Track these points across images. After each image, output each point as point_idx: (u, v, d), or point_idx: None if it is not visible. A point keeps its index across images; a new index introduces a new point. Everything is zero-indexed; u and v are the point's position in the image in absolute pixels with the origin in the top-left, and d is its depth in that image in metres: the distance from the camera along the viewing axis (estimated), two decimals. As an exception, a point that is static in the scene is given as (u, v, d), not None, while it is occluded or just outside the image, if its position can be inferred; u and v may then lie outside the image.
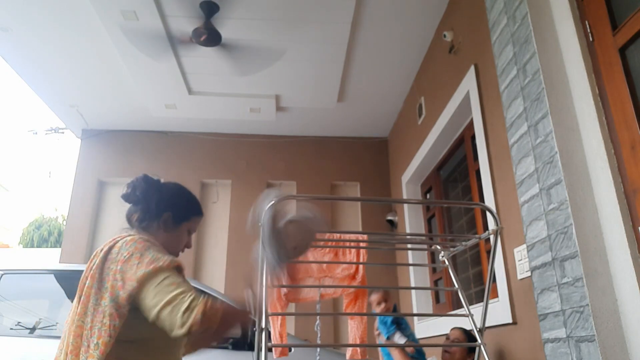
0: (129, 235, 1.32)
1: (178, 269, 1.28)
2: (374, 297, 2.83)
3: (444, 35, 3.41)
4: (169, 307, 1.16)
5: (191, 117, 5.11)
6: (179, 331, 1.14)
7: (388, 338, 2.63)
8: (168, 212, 1.43)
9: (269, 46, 3.88)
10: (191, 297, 1.16)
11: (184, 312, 1.14)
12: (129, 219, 1.45)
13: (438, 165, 4.16)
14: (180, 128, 5.42)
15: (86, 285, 1.27)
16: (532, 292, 2.14)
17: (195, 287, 1.23)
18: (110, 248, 1.29)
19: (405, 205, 4.68)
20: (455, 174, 3.94)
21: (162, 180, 1.51)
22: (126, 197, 1.44)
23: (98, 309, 1.23)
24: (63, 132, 6.27)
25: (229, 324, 1.24)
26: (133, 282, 1.21)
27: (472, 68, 3.01)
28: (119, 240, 1.30)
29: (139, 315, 1.22)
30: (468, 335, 2.66)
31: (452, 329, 2.75)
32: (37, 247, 18.97)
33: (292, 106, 4.90)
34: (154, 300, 1.18)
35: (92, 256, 1.35)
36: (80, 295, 1.28)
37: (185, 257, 5.00)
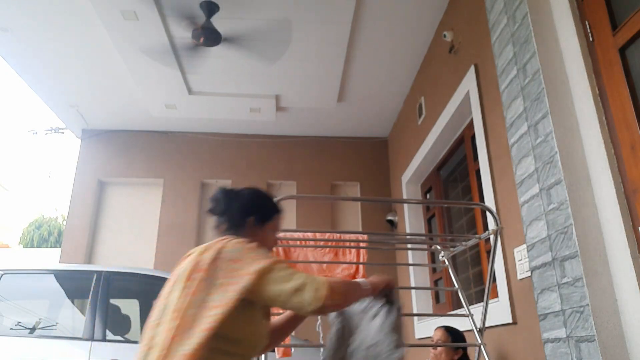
0: (235, 238, 1.39)
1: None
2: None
3: (444, 35, 3.41)
4: (299, 292, 1.26)
5: (191, 117, 5.11)
6: (312, 307, 1.25)
7: None
8: (251, 217, 1.52)
9: (269, 46, 3.88)
10: (315, 279, 1.29)
11: (315, 290, 1.26)
12: (217, 229, 1.54)
13: (438, 165, 4.16)
14: (180, 128, 5.42)
15: (197, 278, 1.30)
16: (532, 292, 2.14)
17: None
18: (222, 247, 1.35)
19: (405, 205, 4.68)
20: (455, 174, 3.94)
21: (238, 188, 1.60)
22: (212, 211, 1.55)
23: (205, 304, 1.27)
24: (63, 132, 6.27)
25: (352, 297, 1.40)
26: (251, 275, 1.28)
27: (472, 68, 3.01)
28: (227, 242, 1.37)
29: (241, 315, 1.29)
30: (452, 334, 2.66)
31: (435, 330, 2.74)
32: (37, 247, 18.96)
33: (292, 106, 4.90)
34: (279, 289, 1.27)
35: (187, 255, 1.42)
36: (183, 287, 1.31)
37: (185, 257, 5.00)
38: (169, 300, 1.34)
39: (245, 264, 1.30)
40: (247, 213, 1.52)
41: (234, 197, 1.55)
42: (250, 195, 1.59)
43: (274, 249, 1.59)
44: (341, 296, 1.31)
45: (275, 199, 1.63)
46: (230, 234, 1.47)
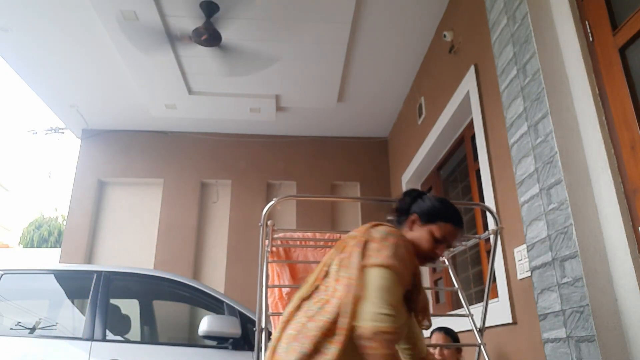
0: (392, 227, 1.45)
1: (401, 277, 1.34)
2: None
3: (444, 35, 3.40)
4: (369, 301, 1.25)
5: (191, 117, 5.11)
6: (358, 323, 1.23)
7: None
8: (415, 213, 1.55)
9: (269, 46, 3.88)
10: (386, 310, 1.23)
11: (369, 313, 1.23)
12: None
13: (438, 165, 4.16)
14: (180, 128, 5.42)
15: (352, 245, 1.41)
16: (532, 292, 2.14)
17: (391, 326, 1.23)
18: (375, 227, 1.43)
19: (405, 205, 4.67)
20: (455, 174, 3.94)
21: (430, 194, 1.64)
22: (396, 207, 1.63)
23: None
24: (63, 132, 6.27)
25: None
26: (367, 264, 1.34)
27: (472, 68, 3.01)
28: (386, 226, 1.44)
29: None
30: (452, 335, 2.65)
31: (433, 333, 2.73)
32: (37, 247, 18.96)
33: (292, 106, 4.90)
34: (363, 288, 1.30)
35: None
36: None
37: (186, 257, 5.01)
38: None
39: (373, 251, 1.36)
40: (415, 209, 1.57)
41: (417, 195, 1.62)
42: (431, 199, 1.61)
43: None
44: (384, 349, 1.21)
45: (453, 212, 1.58)
46: (394, 222, 1.59)
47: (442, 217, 1.53)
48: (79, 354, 2.79)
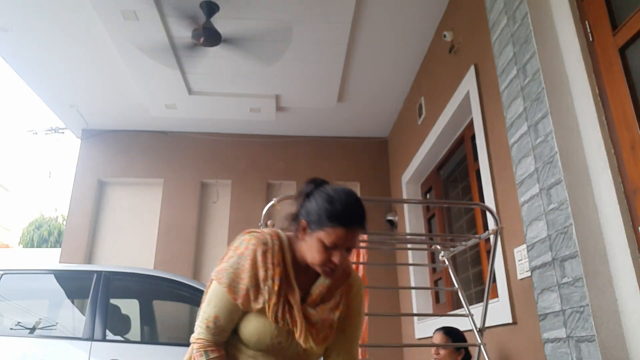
0: (260, 234, 1.34)
1: (230, 294, 1.29)
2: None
3: (444, 35, 3.40)
4: (198, 315, 1.35)
5: (191, 117, 5.11)
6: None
7: None
8: (303, 219, 1.32)
9: (269, 46, 3.88)
10: (198, 329, 1.33)
11: (195, 328, 1.34)
12: None
13: (438, 165, 4.16)
14: (180, 128, 5.42)
15: None
16: (532, 292, 2.14)
17: (210, 327, 1.32)
18: (244, 234, 1.37)
19: (405, 205, 4.68)
20: (455, 174, 3.94)
21: (330, 185, 1.37)
22: (295, 199, 1.41)
23: None
24: (63, 132, 6.27)
25: None
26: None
27: (472, 68, 3.01)
28: (252, 233, 1.36)
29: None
30: (452, 336, 2.65)
31: (435, 333, 2.74)
32: (37, 247, 18.97)
33: (292, 106, 4.90)
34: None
35: None
36: None
37: (186, 257, 5.01)
38: None
39: (219, 261, 1.36)
40: (305, 213, 1.32)
41: (311, 189, 1.36)
42: (322, 195, 1.33)
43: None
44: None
45: (345, 211, 1.29)
46: (290, 228, 1.38)
47: (329, 221, 1.26)
48: (79, 354, 2.79)
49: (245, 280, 1.28)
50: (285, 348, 1.33)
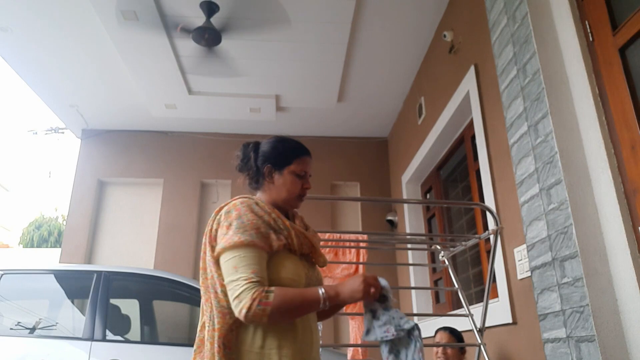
0: (238, 198, 1.39)
1: (253, 247, 1.28)
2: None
3: (444, 35, 3.40)
4: (229, 290, 1.25)
5: (191, 117, 5.11)
6: (242, 320, 1.22)
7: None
8: (267, 165, 1.47)
9: (269, 46, 3.88)
10: (242, 288, 1.21)
11: (234, 299, 1.22)
12: (252, 179, 1.52)
13: (438, 165, 4.16)
14: (180, 128, 5.42)
15: (204, 241, 1.36)
16: (532, 292, 2.14)
17: (254, 278, 1.24)
18: (220, 209, 1.38)
19: (405, 205, 4.68)
20: (455, 174, 3.94)
21: (263, 141, 1.57)
22: (238, 168, 1.56)
23: (212, 261, 1.32)
24: (63, 132, 6.26)
25: (287, 315, 1.26)
26: (216, 254, 1.31)
27: (472, 68, 3.01)
28: (227, 204, 1.38)
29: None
30: (457, 335, 2.65)
31: (437, 332, 2.74)
32: (37, 247, 18.98)
33: (292, 106, 4.90)
34: (225, 278, 1.27)
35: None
36: (204, 250, 1.37)
37: (186, 257, 5.01)
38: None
39: (220, 235, 1.31)
40: (264, 161, 1.48)
41: (253, 149, 1.54)
42: (270, 143, 1.54)
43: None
44: (265, 318, 1.20)
45: (299, 143, 1.55)
46: (252, 188, 1.49)
47: (294, 153, 1.50)
48: (79, 354, 2.79)
49: (260, 229, 1.31)
50: (311, 281, 1.39)
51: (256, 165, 1.49)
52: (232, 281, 1.24)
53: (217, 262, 1.31)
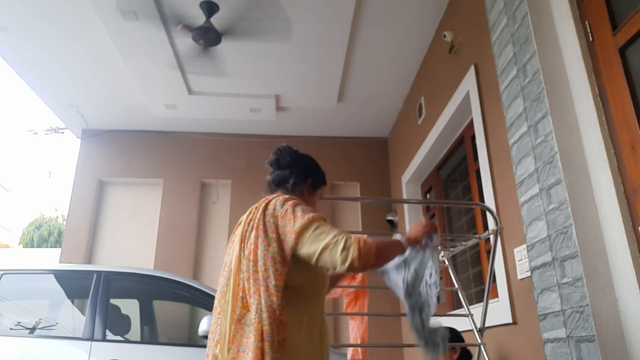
0: (280, 196, 1.49)
1: (325, 220, 1.41)
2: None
3: (444, 35, 3.40)
4: (327, 250, 1.31)
5: (191, 117, 5.11)
6: (342, 267, 1.30)
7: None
8: (310, 179, 1.63)
9: (269, 46, 3.88)
10: (344, 238, 1.32)
11: (342, 251, 1.30)
12: (278, 181, 1.63)
13: (438, 165, 4.16)
14: (180, 128, 5.42)
15: (252, 235, 1.41)
16: (532, 292, 2.14)
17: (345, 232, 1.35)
18: (267, 205, 1.46)
19: (405, 205, 4.68)
20: (455, 174, 3.94)
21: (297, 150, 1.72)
22: (276, 163, 1.66)
23: (268, 256, 1.37)
24: (63, 132, 6.26)
25: (385, 255, 1.43)
26: (292, 234, 1.37)
27: (472, 68, 3.01)
28: (271, 200, 1.47)
29: (296, 265, 1.39)
30: (451, 334, 2.65)
31: None
32: (37, 247, 18.98)
33: (292, 106, 4.90)
34: (312, 247, 1.34)
35: (247, 212, 1.52)
36: (242, 246, 1.43)
37: (186, 257, 5.01)
38: (232, 264, 1.43)
39: (288, 221, 1.39)
40: (308, 174, 1.64)
41: (300, 156, 1.68)
42: (311, 160, 1.71)
43: None
44: (372, 257, 1.32)
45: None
46: (281, 191, 1.58)
47: (324, 180, 1.70)
48: (79, 354, 2.79)
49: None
50: (326, 279, 1.53)
51: (295, 172, 1.62)
52: (328, 242, 1.32)
53: (276, 255, 1.36)
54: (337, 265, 1.29)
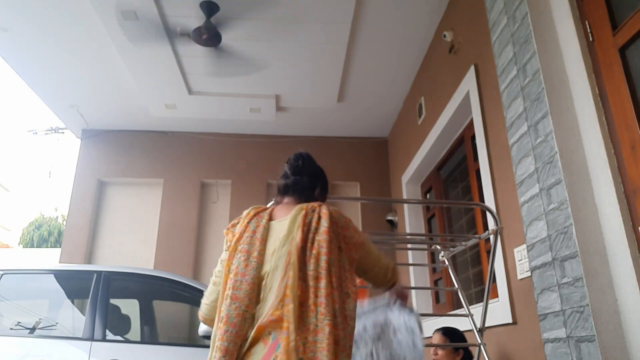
0: (323, 204, 1.50)
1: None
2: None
3: (444, 35, 3.40)
4: (383, 269, 1.57)
5: (191, 117, 5.11)
6: (386, 285, 1.62)
7: None
8: (318, 188, 1.64)
9: (269, 46, 3.88)
10: (391, 261, 1.60)
11: (392, 271, 1.61)
12: (300, 187, 1.60)
13: (438, 165, 4.16)
14: (180, 128, 5.42)
15: (321, 239, 1.39)
16: (532, 292, 2.14)
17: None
18: (330, 215, 1.44)
19: (405, 205, 4.68)
20: (455, 174, 3.94)
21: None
22: (297, 169, 1.63)
23: (340, 263, 1.40)
24: (63, 132, 6.26)
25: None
26: (359, 246, 1.47)
27: (472, 68, 3.01)
28: (330, 208, 1.47)
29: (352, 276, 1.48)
30: (450, 336, 2.65)
31: (433, 333, 2.74)
32: (37, 247, 18.97)
33: (292, 106, 4.90)
34: (373, 261, 1.54)
35: (301, 215, 1.44)
36: (304, 245, 1.38)
37: (186, 257, 5.01)
38: (279, 258, 1.38)
39: (354, 233, 1.47)
40: (323, 186, 1.67)
41: (319, 167, 1.70)
42: (321, 169, 1.72)
43: None
44: (398, 282, 1.64)
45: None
46: (303, 198, 1.57)
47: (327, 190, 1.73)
48: (79, 354, 2.79)
49: None
50: None
51: (320, 182, 1.66)
52: (385, 263, 1.58)
53: (346, 264, 1.41)
54: (385, 283, 1.60)
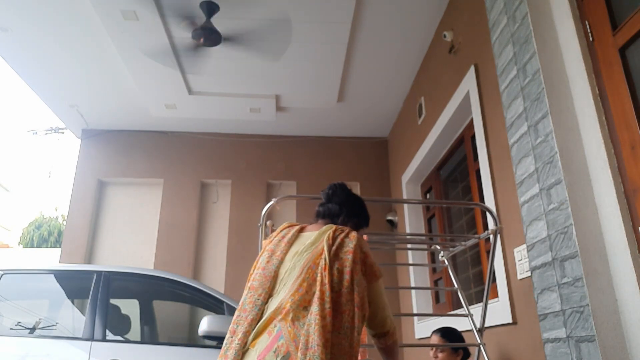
0: (352, 230, 1.54)
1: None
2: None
3: (444, 35, 3.40)
4: (386, 312, 1.55)
5: (191, 117, 5.11)
6: (381, 330, 1.57)
7: None
8: (356, 219, 1.70)
9: (269, 46, 3.88)
10: (392, 315, 1.60)
11: (391, 323, 1.59)
12: (329, 214, 1.68)
13: (438, 165, 4.16)
14: (180, 128, 5.42)
15: (348, 258, 1.43)
16: (532, 292, 2.14)
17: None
18: (358, 239, 1.49)
19: (405, 205, 4.68)
20: (455, 174, 3.94)
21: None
22: (328, 197, 1.72)
23: (361, 286, 1.42)
24: (63, 132, 6.26)
25: (395, 348, 1.67)
26: (375, 278, 1.48)
27: (472, 68, 3.01)
28: (349, 231, 1.51)
29: None
30: (449, 337, 2.65)
31: (432, 335, 2.74)
32: (37, 247, 18.98)
33: (292, 106, 4.90)
34: (382, 301, 1.52)
35: (330, 231, 1.50)
36: (330, 260, 1.41)
37: (186, 257, 5.01)
38: (307, 272, 1.41)
39: (374, 264, 1.49)
40: (355, 215, 1.70)
41: (352, 196, 1.74)
42: (361, 201, 1.77)
43: None
44: (394, 343, 1.62)
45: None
46: (331, 223, 1.61)
47: (366, 222, 1.76)
48: (79, 354, 2.79)
49: None
50: None
51: (345, 210, 1.68)
52: (389, 311, 1.58)
53: (365, 289, 1.43)
54: (380, 328, 1.57)
